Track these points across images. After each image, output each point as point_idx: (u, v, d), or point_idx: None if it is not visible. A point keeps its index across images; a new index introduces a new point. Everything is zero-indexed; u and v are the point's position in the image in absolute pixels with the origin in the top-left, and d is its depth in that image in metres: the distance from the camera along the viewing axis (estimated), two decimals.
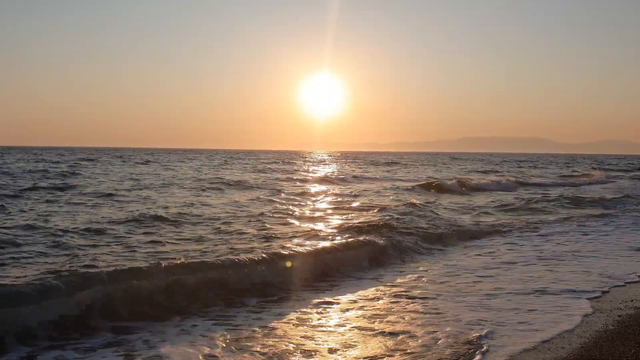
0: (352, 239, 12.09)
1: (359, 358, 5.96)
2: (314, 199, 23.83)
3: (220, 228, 14.05)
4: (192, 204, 19.50)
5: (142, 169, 45.85)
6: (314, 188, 29.58)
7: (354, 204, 21.09)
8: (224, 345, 6.35)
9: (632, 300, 8.34)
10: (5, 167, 41.14)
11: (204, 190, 25.46)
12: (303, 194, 25.72)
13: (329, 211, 18.96)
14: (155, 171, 41.61)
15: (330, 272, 10.07)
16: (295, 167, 57.79)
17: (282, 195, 24.53)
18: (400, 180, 38.68)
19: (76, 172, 36.56)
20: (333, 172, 47.18)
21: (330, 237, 12.99)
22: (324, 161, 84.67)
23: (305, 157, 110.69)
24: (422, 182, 32.82)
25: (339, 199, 23.57)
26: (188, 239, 12.36)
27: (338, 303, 8.21)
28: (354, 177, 39.68)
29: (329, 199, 23.98)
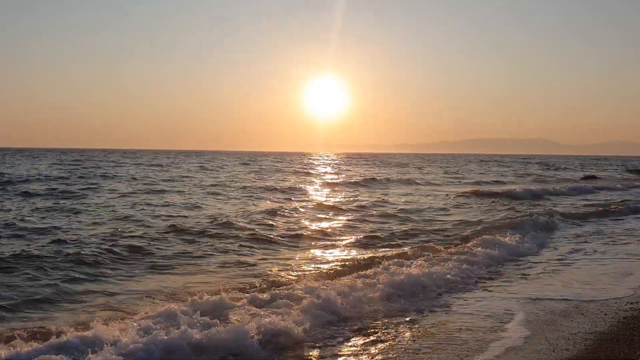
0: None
1: None
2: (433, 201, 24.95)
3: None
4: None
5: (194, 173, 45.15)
6: (393, 191, 30.27)
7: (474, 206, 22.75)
8: None
9: (637, 302, 8.29)
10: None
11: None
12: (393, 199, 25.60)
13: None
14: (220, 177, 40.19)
15: None
16: (333, 171, 56.30)
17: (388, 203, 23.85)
18: (446, 184, 38.04)
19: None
20: (372, 175, 45.70)
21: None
22: (344, 163, 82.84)
23: (319, 159, 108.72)
24: (493, 189, 30.87)
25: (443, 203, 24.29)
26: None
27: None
28: (401, 180, 39.10)
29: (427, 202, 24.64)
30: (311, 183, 36.15)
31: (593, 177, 47.70)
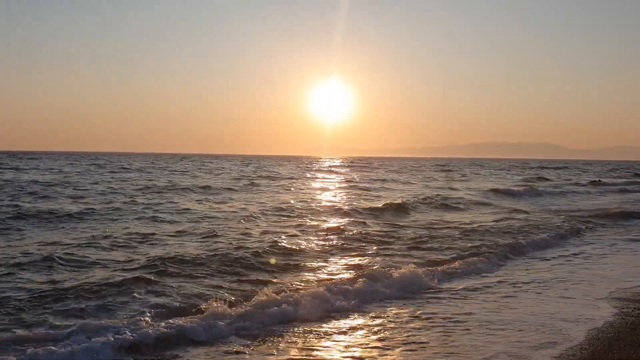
0: None
1: None
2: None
3: None
4: None
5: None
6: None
7: None
8: None
9: None
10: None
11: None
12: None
13: None
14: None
15: None
16: (376, 176, 50.17)
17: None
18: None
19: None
20: (430, 183, 41.25)
21: None
22: (368, 168, 75.38)
23: (336, 163, 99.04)
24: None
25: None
26: None
27: None
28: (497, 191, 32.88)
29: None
30: None
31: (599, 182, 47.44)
